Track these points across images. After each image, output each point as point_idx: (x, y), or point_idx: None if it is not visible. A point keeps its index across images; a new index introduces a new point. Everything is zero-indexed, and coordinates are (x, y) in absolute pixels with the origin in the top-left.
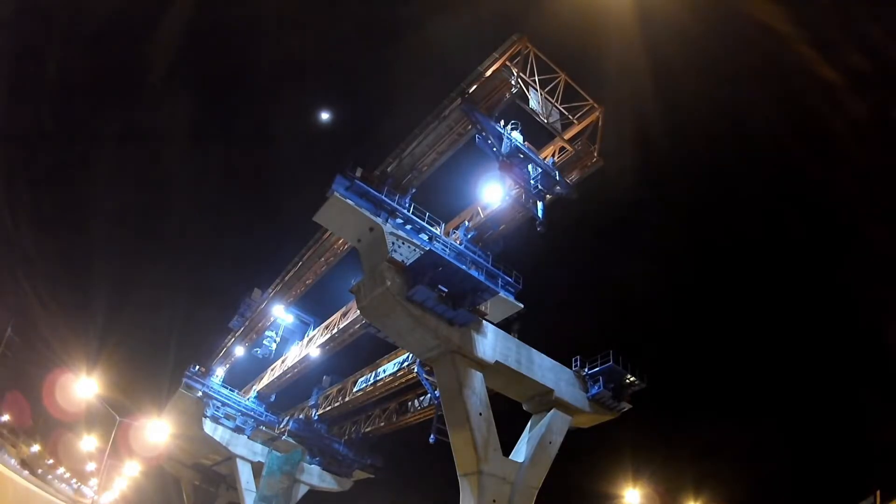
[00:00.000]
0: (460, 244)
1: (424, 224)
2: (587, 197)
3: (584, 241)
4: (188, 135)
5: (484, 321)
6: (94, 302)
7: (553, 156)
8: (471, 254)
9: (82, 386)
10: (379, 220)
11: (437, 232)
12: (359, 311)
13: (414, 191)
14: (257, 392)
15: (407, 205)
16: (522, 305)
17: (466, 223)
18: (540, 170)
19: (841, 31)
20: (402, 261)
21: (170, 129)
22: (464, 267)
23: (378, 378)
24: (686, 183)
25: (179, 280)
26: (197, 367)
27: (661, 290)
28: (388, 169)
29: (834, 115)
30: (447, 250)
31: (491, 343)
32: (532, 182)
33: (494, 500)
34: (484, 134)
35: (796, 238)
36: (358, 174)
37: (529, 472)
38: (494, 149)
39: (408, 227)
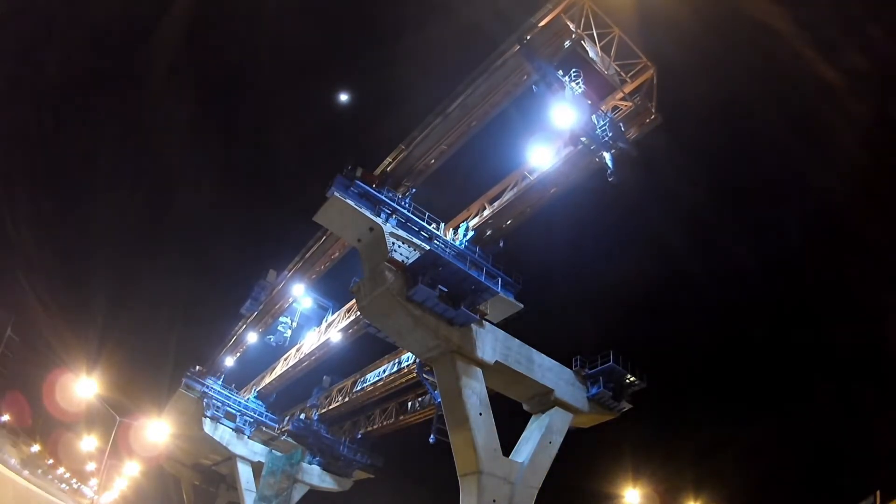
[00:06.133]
0: (459, 242)
1: (424, 223)
2: (587, 196)
3: (583, 241)
4: (192, 126)
5: (484, 321)
6: (94, 302)
7: (609, 112)
8: (471, 253)
9: (82, 386)
10: (379, 220)
11: (437, 231)
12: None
13: (414, 191)
14: (257, 391)
15: (407, 204)
16: (522, 305)
17: (467, 223)
18: (606, 119)
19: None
20: (403, 260)
21: (171, 124)
22: (464, 267)
23: (378, 378)
24: (688, 181)
25: (180, 278)
26: (197, 367)
27: (661, 290)
28: (427, 131)
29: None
30: (447, 250)
31: (491, 343)
32: (599, 132)
33: (494, 500)
34: (546, 82)
35: (796, 238)
36: (358, 174)
37: (529, 472)
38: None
39: (408, 226)
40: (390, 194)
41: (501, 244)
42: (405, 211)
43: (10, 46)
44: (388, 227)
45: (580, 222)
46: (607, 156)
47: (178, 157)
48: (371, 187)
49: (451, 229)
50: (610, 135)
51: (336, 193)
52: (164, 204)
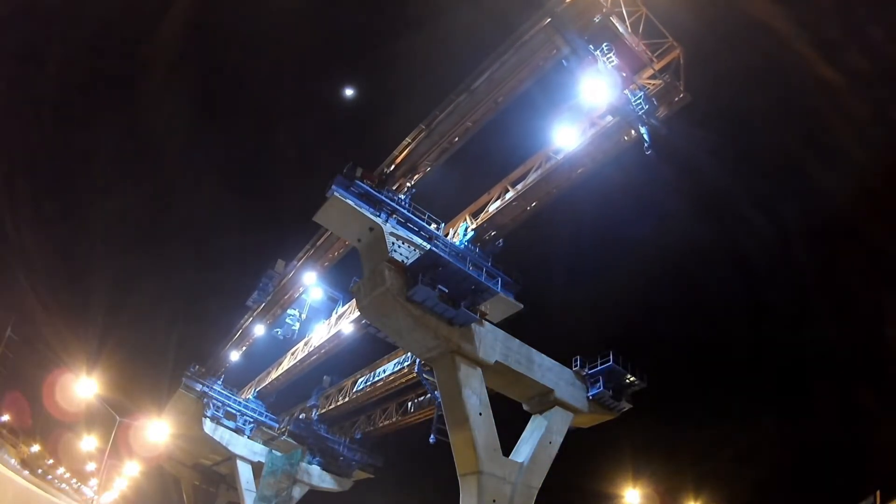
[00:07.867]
0: (459, 242)
1: (424, 223)
2: (587, 194)
3: (583, 240)
4: (195, 113)
5: (484, 321)
6: (94, 302)
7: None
8: (471, 253)
9: (82, 386)
10: (379, 220)
11: (438, 231)
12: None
13: (414, 191)
14: (258, 391)
15: (407, 204)
16: (522, 305)
17: (467, 223)
18: (641, 93)
19: None
20: (402, 260)
21: (171, 125)
22: (464, 267)
23: (378, 378)
24: (687, 179)
25: (182, 276)
26: (196, 366)
27: (661, 289)
28: (450, 107)
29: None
30: (447, 250)
31: (491, 343)
32: (633, 106)
33: (494, 500)
34: (577, 55)
35: (795, 237)
36: (358, 174)
37: (529, 472)
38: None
39: (408, 226)
40: (390, 194)
41: (500, 244)
42: (405, 211)
43: (11, 46)
44: (388, 227)
45: (579, 222)
46: (643, 129)
47: (181, 149)
48: (371, 187)
49: (459, 222)
50: (646, 108)
51: (336, 193)
52: (166, 200)
